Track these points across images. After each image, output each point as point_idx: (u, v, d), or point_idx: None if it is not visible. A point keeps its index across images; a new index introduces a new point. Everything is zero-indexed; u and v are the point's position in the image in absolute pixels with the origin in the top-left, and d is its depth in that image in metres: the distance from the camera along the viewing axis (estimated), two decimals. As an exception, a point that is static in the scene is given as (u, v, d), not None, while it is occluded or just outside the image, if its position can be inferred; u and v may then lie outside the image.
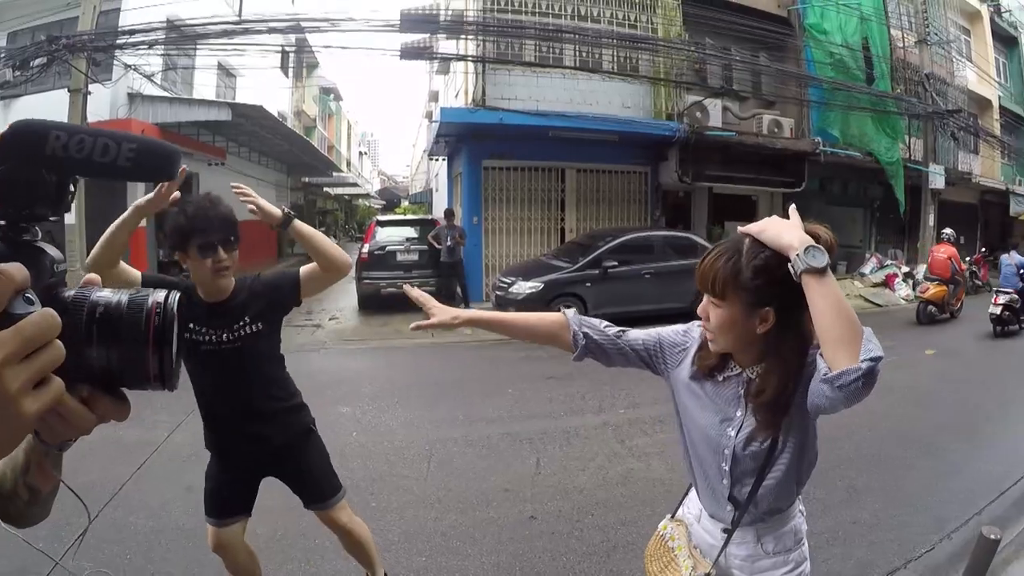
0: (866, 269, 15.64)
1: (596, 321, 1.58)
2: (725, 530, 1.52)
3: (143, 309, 0.60)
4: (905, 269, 15.64)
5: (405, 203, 34.95)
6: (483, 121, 10.43)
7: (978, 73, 20.35)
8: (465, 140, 11.60)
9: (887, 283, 14.71)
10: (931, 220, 16.51)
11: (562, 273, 9.04)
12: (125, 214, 1.95)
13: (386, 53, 15.01)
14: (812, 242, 1.20)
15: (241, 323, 2.16)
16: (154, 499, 3.69)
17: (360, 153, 49.96)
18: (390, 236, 10.86)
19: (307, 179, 25.72)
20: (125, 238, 1.97)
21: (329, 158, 24.53)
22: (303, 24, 10.40)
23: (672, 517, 1.70)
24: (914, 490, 4.32)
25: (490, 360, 7.50)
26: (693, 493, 1.65)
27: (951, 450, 5.06)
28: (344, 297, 11.30)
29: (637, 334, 1.57)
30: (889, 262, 15.96)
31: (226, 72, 14.21)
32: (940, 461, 4.88)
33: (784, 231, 1.25)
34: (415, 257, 10.59)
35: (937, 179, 16.46)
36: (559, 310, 1.62)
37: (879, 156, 15.06)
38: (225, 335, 2.13)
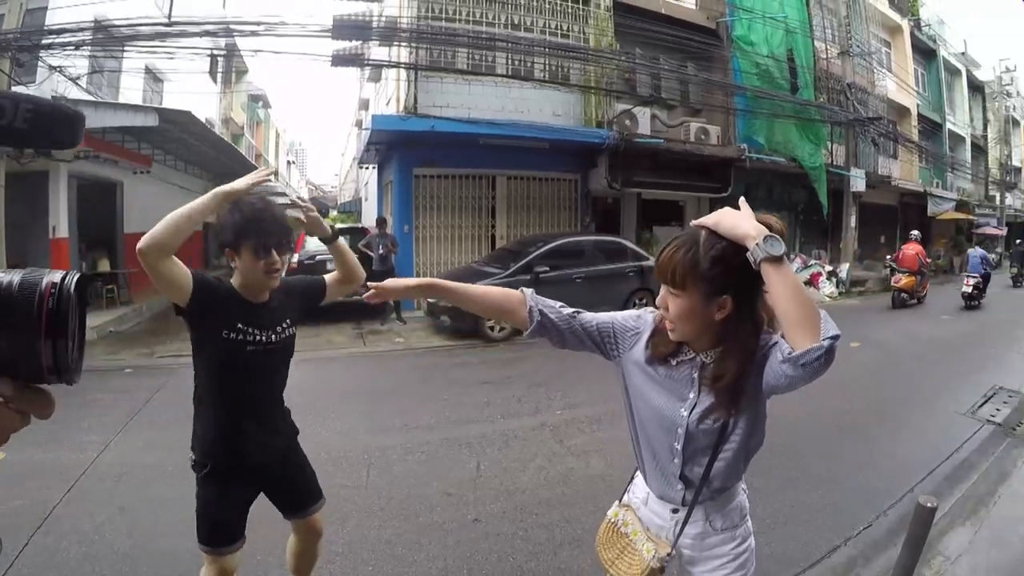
0: (792, 269, 16.48)
1: (552, 301, 1.59)
2: (674, 510, 1.58)
3: (35, 291, 0.56)
4: (829, 268, 16.66)
5: (334, 213, 34.44)
6: (415, 129, 10.56)
7: (898, 83, 21.70)
8: (396, 148, 11.70)
9: (812, 282, 15.60)
10: (853, 221, 17.56)
11: (494, 279, 9.17)
12: (203, 198, 1.91)
13: (318, 59, 14.99)
14: (768, 232, 1.28)
15: (284, 325, 2.19)
16: (86, 523, 3.57)
17: (288, 162, 49.09)
18: (320, 245, 10.35)
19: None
20: (193, 226, 1.87)
21: (257, 167, 24.34)
22: (235, 28, 10.25)
23: (620, 503, 1.73)
24: (848, 473, 4.62)
25: (423, 367, 7.58)
26: (639, 478, 1.70)
27: (880, 434, 5.49)
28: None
29: (591, 316, 1.59)
30: (813, 262, 16.88)
31: (154, 77, 13.94)
32: (872, 445, 5.27)
33: (740, 222, 1.31)
34: None
35: (858, 182, 17.50)
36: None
37: (803, 161, 15.96)
38: (272, 336, 2.14)
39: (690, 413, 1.47)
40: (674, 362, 1.50)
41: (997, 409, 6.40)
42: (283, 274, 2.16)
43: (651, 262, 10.32)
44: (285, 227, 2.09)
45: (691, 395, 1.47)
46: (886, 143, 20.44)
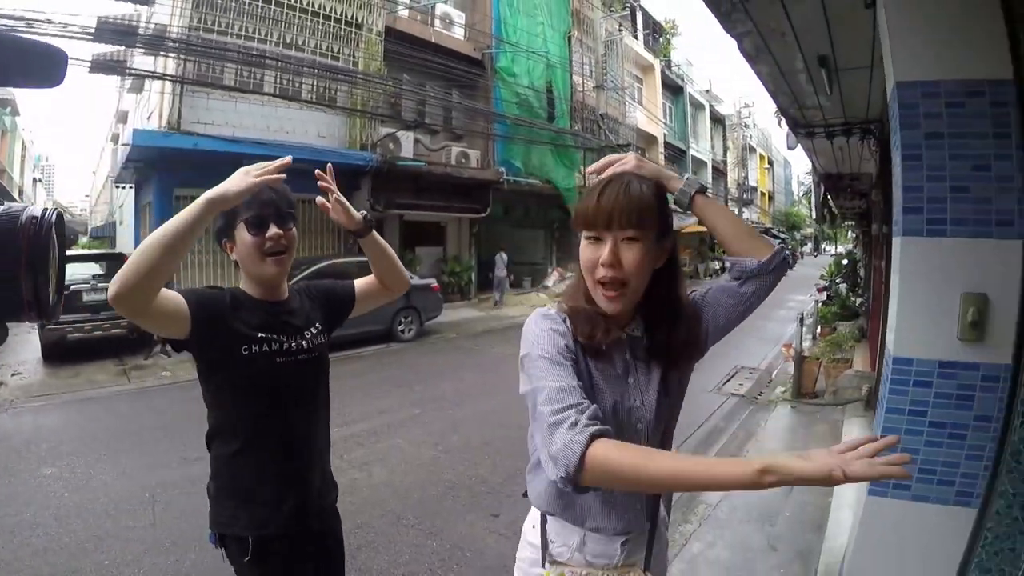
0: (549, 282, 19.46)
1: (574, 412, 1.11)
2: (624, 542, 1.38)
3: (16, 223, 0.56)
4: (585, 279, 19.64)
5: (84, 239, 29.79)
6: (178, 146, 10.51)
7: (647, 114, 25.94)
8: (157, 166, 11.38)
9: None
10: (606, 237, 20.84)
11: None
12: (187, 209, 1.45)
13: (75, 63, 14.02)
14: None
15: (315, 329, 1.84)
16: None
17: (34, 180, 43.48)
18: (74, 273, 9.75)
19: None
20: (180, 250, 1.46)
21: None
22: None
23: (550, 564, 1.44)
24: None
25: (195, 399, 7.41)
26: (558, 523, 1.42)
27: None
28: (25, 348, 10.53)
29: (573, 382, 1.18)
30: (570, 274, 19.65)
31: None
32: None
33: (654, 165, 1.30)
34: (104, 296, 9.22)
35: (610, 203, 20.83)
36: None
37: (557, 184, 18.82)
38: (303, 342, 1.78)
39: (643, 401, 1.31)
40: (604, 346, 1.29)
41: (740, 384, 8.19)
42: (292, 256, 1.76)
43: (416, 281, 11.69)
44: (286, 198, 1.71)
45: (631, 381, 1.32)
46: (635, 167, 24.36)
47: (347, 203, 1.79)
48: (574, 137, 19.60)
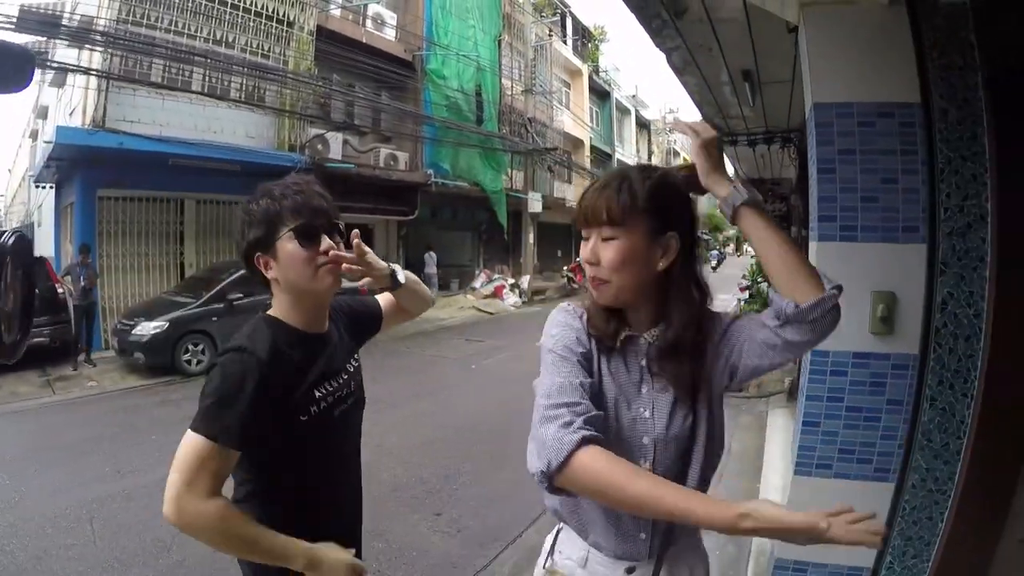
0: (477, 284, 20.07)
1: (571, 403, 1.16)
2: (630, 569, 1.33)
3: None
4: (511, 281, 20.47)
5: None
6: (102, 144, 10.23)
7: (574, 119, 26.90)
8: (80, 165, 11.03)
9: (496, 294, 19.07)
10: (531, 239, 21.77)
11: (187, 310, 9.40)
12: (282, 555, 1.35)
13: None
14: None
15: (355, 360, 1.69)
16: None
17: None
18: None
19: None
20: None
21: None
22: None
23: (545, 568, 1.45)
24: None
25: (124, 410, 7.58)
26: (567, 534, 1.42)
27: None
28: (-65, 362, 10.16)
29: (576, 380, 1.21)
30: (497, 276, 20.59)
31: None
32: None
33: (716, 156, 1.23)
34: None
35: (535, 204, 21.76)
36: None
37: (485, 186, 19.47)
38: (352, 381, 1.63)
39: (652, 414, 1.27)
40: (617, 344, 1.29)
41: None
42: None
43: (345, 284, 11.73)
44: (332, 205, 1.55)
45: (644, 390, 1.29)
46: (561, 170, 25.49)
47: (375, 260, 1.66)
48: (502, 140, 20.22)
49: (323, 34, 14.13)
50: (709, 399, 1.30)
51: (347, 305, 1.78)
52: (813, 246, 2.61)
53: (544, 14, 24.44)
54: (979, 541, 2.46)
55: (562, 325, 1.32)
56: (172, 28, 11.44)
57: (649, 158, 41.29)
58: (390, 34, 17.02)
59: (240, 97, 12.54)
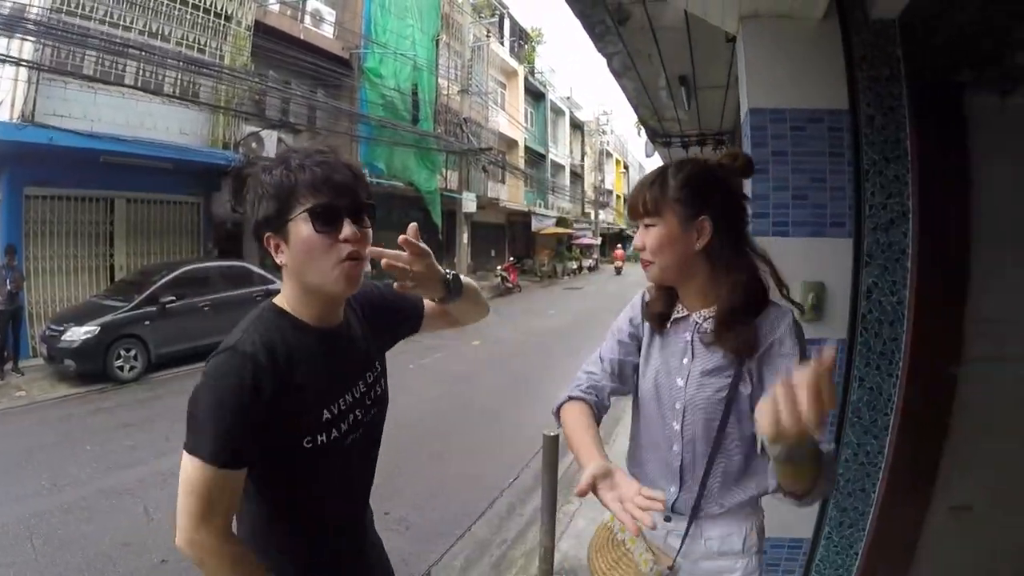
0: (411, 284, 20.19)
1: (587, 379, 1.59)
2: (666, 518, 1.49)
3: None
4: (447, 280, 20.75)
5: None
6: (31, 140, 9.78)
7: (509, 119, 27.49)
8: (6, 162, 10.45)
9: None
10: (465, 238, 22.22)
11: (118, 314, 9.11)
12: None
13: None
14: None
15: (375, 370, 1.46)
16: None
17: None
18: None
19: None
20: None
21: None
22: None
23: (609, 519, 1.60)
24: (489, 442, 6.25)
25: (57, 420, 7.34)
26: None
27: (510, 409, 7.36)
28: None
29: (610, 357, 1.60)
30: (434, 277, 20.86)
31: None
32: (506, 419, 7.04)
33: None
34: None
35: (469, 204, 22.21)
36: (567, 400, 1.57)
37: (419, 186, 19.79)
38: (367, 400, 1.40)
39: (686, 382, 1.45)
40: (669, 324, 1.51)
41: None
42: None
43: (278, 285, 11.63)
44: (362, 180, 1.31)
45: (684, 361, 1.46)
46: (496, 170, 26.01)
47: (432, 263, 1.38)
48: (437, 140, 20.55)
49: (260, 29, 13.90)
50: (753, 379, 1.39)
51: (377, 292, 1.53)
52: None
53: (483, 15, 24.84)
54: (910, 509, 2.72)
55: (627, 309, 1.66)
56: (107, 19, 11.07)
57: (582, 159, 42.38)
58: (328, 31, 17.10)
59: (175, 92, 12.24)
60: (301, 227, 1.21)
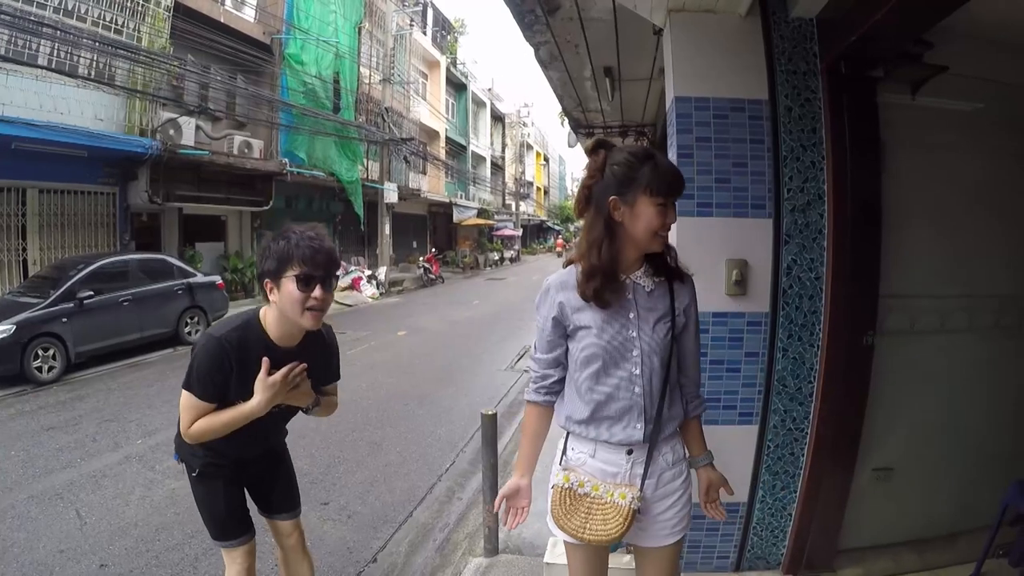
0: (334, 277, 20.23)
1: (541, 375, 1.94)
2: (629, 451, 1.83)
3: None
4: (368, 272, 20.93)
5: None
6: None
7: (431, 110, 27.86)
8: None
9: (354, 286, 19.48)
10: (387, 229, 22.43)
11: (34, 311, 8.77)
12: (248, 414, 2.05)
13: None
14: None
15: (312, 380, 2.23)
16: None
17: None
18: None
19: None
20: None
21: None
22: None
23: (560, 465, 1.93)
24: (426, 429, 6.45)
25: None
26: (572, 439, 1.91)
27: (445, 396, 7.69)
28: None
29: (550, 352, 1.92)
30: (353, 268, 20.98)
31: None
32: (440, 405, 7.39)
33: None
34: None
35: (391, 195, 22.44)
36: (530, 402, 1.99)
37: (340, 176, 19.97)
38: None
39: (638, 332, 1.80)
40: (607, 294, 1.78)
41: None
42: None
43: (199, 279, 11.46)
44: (336, 262, 2.09)
45: (631, 315, 1.80)
46: (417, 161, 26.36)
47: (295, 392, 2.15)
48: (358, 130, 20.76)
49: (180, 11, 13.65)
50: (677, 326, 1.86)
51: (334, 348, 2.41)
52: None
53: (407, 3, 25.04)
54: (837, 470, 2.96)
55: (543, 309, 1.91)
56: None
57: (503, 150, 43.12)
58: (250, 15, 17.06)
59: (91, 75, 11.88)
60: (289, 284, 1.98)
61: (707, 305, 2.39)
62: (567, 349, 1.89)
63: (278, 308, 2.05)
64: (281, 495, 2.53)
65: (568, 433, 1.92)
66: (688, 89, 2.83)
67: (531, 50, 4.47)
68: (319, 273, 1.99)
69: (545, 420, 1.96)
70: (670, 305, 1.84)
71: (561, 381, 1.92)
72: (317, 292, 2.00)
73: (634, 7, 3.03)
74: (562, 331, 1.87)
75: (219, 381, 2.02)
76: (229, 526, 2.33)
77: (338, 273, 2.14)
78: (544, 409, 1.95)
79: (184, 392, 2.04)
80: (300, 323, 2.04)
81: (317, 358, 2.23)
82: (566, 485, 1.83)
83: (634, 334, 1.79)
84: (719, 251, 2.83)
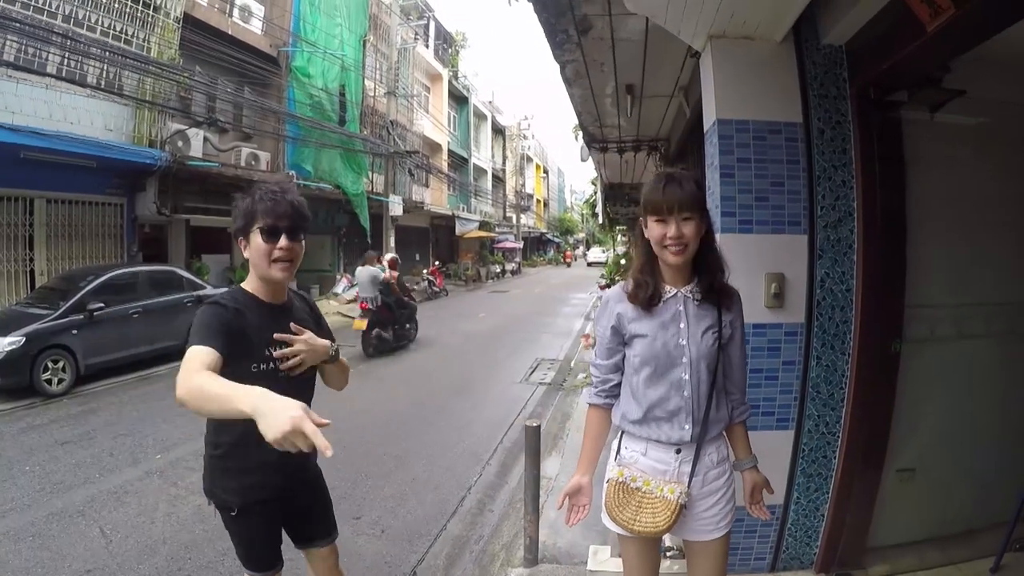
0: (338, 289, 20.37)
1: (601, 378, 2.15)
2: (678, 450, 1.99)
3: None
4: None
5: None
6: None
7: (434, 123, 28.06)
8: None
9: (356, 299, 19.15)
10: (392, 242, 22.45)
11: (44, 322, 8.70)
12: (240, 407, 1.54)
13: None
14: None
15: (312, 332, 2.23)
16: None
17: None
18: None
19: None
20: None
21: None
22: None
23: (617, 464, 2.09)
24: (446, 442, 6.39)
25: None
26: (625, 439, 2.09)
27: (464, 408, 7.60)
28: None
29: (609, 358, 2.11)
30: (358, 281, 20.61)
31: None
32: (460, 417, 7.29)
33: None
34: None
35: (396, 207, 22.54)
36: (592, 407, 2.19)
37: (346, 189, 20.05)
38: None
39: (687, 340, 1.96)
40: (660, 303, 1.99)
41: (544, 374, 9.45)
42: (294, 274, 2.14)
43: (209, 291, 11.20)
44: (301, 213, 2.12)
45: (682, 325, 1.97)
46: (420, 173, 26.52)
47: (315, 340, 2.18)
48: (364, 142, 20.86)
49: (189, 22, 13.68)
50: (728, 331, 2.02)
51: (316, 310, 2.47)
52: (717, 238, 2.70)
53: (411, 17, 25.26)
54: (866, 471, 3.11)
55: (602, 319, 2.10)
56: (29, 2, 10.73)
57: (503, 163, 43.38)
58: (257, 27, 17.10)
59: (100, 84, 11.91)
60: (256, 238, 2.05)
61: (748, 317, 2.48)
62: (624, 356, 2.07)
63: (252, 264, 2.11)
64: (318, 521, 2.48)
65: (622, 432, 2.10)
66: (729, 112, 3.00)
67: (532, 64, 4.78)
68: (283, 224, 2.05)
69: (606, 421, 2.15)
70: (717, 317, 2.00)
71: (619, 385, 2.11)
72: (282, 242, 2.05)
73: (677, 32, 3.14)
74: (620, 339, 2.06)
75: (221, 329, 1.95)
76: (265, 559, 2.30)
77: (299, 226, 2.11)
78: (605, 411, 2.14)
79: (188, 351, 1.86)
80: (270, 275, 2.08)
81: (308, 320, 2.30)
82: (620, 479, 2.01)
83: (684, 342, 1.95)
84: (759, 266, 3.00)
